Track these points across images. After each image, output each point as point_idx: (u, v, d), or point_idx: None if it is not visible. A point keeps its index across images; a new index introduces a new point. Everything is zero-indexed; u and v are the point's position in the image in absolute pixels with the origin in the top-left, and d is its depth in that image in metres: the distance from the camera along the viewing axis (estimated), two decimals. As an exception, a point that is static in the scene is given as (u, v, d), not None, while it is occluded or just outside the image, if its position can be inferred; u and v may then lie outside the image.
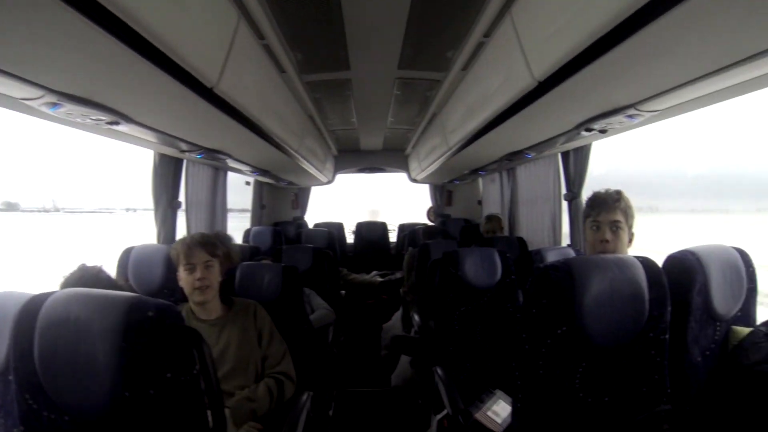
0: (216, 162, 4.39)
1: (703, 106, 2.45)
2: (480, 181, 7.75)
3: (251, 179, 6.83)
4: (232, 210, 6.16)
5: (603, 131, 2.93)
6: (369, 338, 6.16)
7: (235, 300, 2.65)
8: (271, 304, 2.84)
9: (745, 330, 2.00)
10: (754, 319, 2.13)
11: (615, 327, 1.73)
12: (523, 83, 2.35)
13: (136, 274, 3.09)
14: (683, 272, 1.98)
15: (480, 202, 7.84)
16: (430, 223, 8.41)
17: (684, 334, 1.94)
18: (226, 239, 3.36)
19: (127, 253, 3.14)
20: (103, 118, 2.30)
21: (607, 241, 2.19)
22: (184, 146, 3.37)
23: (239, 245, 4.38)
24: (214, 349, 2.41)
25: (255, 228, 6.18)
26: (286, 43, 2.95)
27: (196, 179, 4.61)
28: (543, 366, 1.71)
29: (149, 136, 2.93)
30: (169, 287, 2.96)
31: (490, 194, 7.19)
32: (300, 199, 8.51)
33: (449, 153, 4.69)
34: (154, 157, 3.80)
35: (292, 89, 3.79)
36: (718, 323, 2.04)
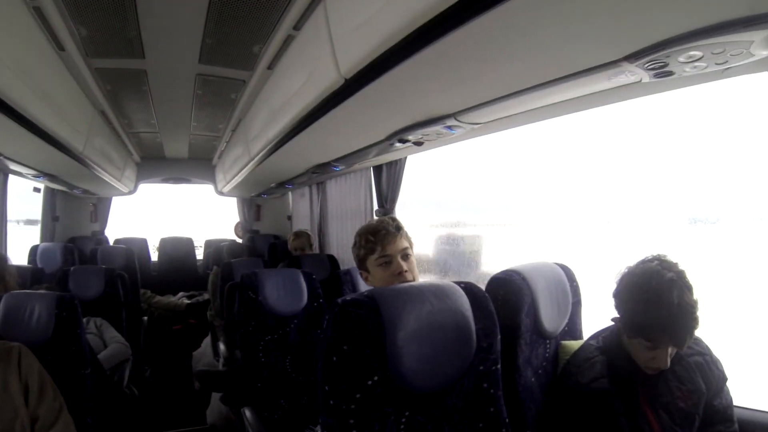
0: None
1: (530, 122, 2.41)
2: (290, 195, 7.52)
3: (41, 186, 5.97)
4: (17, 221, 5.41)
5: (419, 143, 2.81)
6: (178, 369, 5.56)
7: None
8: (43, 346, 2.34)
9: (575, 344, 2.00)
10: (580, 332, 2.15)
11: (439, 367, 1.45)
12: (330, 81, 2.11)
13: None
14: (510, 294, 1.85)
15: (290, 218, 7.67)
16: (238, 240, 8.06)
17: (515, 358, 1.80)
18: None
19: None
20: None
21: (405, 271, 2.01)
22: None
23: (18, 266, 3.74)
24: None
25: (43, 245, 5.50)
26: (66, 12, 2.39)
27: None
28: (356, 424, 1.33)
29: None
30: None
31: (300, 209, 7.06)
32: (99, 211, 7.69)
33: (252, 163, 4.37)
34: None
35: (76, 75, 3.20)
36: (548, 341, 1.98)
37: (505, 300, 1.82)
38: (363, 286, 2.80)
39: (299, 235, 5.05)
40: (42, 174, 4.64)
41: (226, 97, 3.82)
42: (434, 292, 1.48)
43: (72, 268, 4.04)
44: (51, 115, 2.94)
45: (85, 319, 3.35)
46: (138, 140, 5.69)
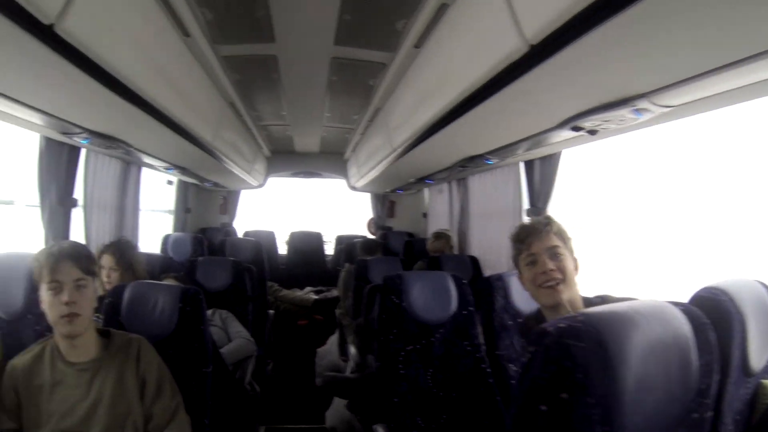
0: (119, 153, 3.76)
1: (731, 104, 1.93)
2: (426, 191, 7.15)
3: (174, 179, 6.11)
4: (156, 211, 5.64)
5: (593, 132, 2.37)
6: (301, 365, 5.50)
7: (113, 333, 2.08)
8: (165, 340, 2.27)
9: None
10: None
11: (659, 416, 0.97)
12: (507, 50, 1.75)
13: None
14: (720, 320, 1.33)
15: (425, 215, 7.33)
16: (370, 236, 7.83)
17: (720, 403, 1.30)
18: (127, 247, 3.14)
19: None
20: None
21: (551, 270, 1.85)
22: (58, 125, 2.69)
23: (149, 254, 4.03)
24: (81, 405, 1.92)
25: (174, 235, 5.52)
26: (189, -8, 2.28)
27: (100, 174, 3.96)
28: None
29: (15, 110, 2.35)
30: (36, 312, 2.24)
31: (437, 206, 6.68)
32: (228, 204, 7.87)
33: (393, 156, 4.12)
34: (40, 141, 3.17)
35: (203, 63, 3.11)
36: (749, 379, 1.46)
37: (716, 327, 1.25)
38: (517, 294, 2.55)
39: (439, 236, 4.87)
40: (173, 166, 4.69)
41: (363, 83, 3.56)
42: (655, 314, 1.00)
43: (200, 259, 4.04)
44: (181, 106, 2.89)
45: (210, 311, 3.35)
46: (267, 134, 5.67)
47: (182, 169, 4.97)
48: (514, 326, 2.57)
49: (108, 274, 3.03)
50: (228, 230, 7.44)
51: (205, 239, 5.56)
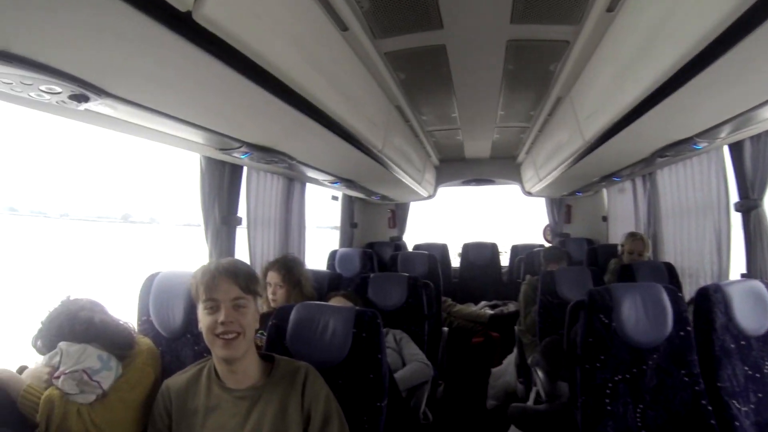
0: (281, 168, 3.63)
1: None
2: (604, 192, 6.54)
3: (339, 194, 6.04)
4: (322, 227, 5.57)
5: None
6: (473, 386, 5.04)
7: (278, 360, 1.92)
8: (335, 369, 2.08)
9: None
10: None
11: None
12: None
13: (157, 309, 2.30)
14: None
15: (605, 218, 6.65)
16: (546, 244, 7.28)
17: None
18: (294, 263, 3.12)
19: (151, 280, 2.35)
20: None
21: None
22: (217, 140, 2.58)
23: (315, 271, 3.84)
24: None
25: (341, 250, 5.39)
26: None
27: (263, 191, 3.98)
28: None
29: (176, 130, 2.32)
30: (195, 332, 2.15)
31: (618, 207, 6.08)
32: (397, 217, 7.58)
33: (581, 151, 3.53)
34: (200, 161, 3.18)
35: (365, 61, 2.84)
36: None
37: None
38: (740, 310, 2.08)
39: (635, 236, 4.40)
40: (339, 179, 4.51)
41: (543, 69, 3.15)
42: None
43: (372, 275, 3.83)
44: (347, 110, 2.65)
45: (383, 331, 3.11)
46: (436, 140, 5.38)
47: (349, 182, 4.79)
48: (737, 351, 2.18)
49: (274, 291, 3.01)
50: (398, 244, 7.22)
51: (374, 254, 5.38)
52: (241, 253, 3.54)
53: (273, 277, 3.02)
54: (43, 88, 1.60)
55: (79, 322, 1.87)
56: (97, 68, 1.59)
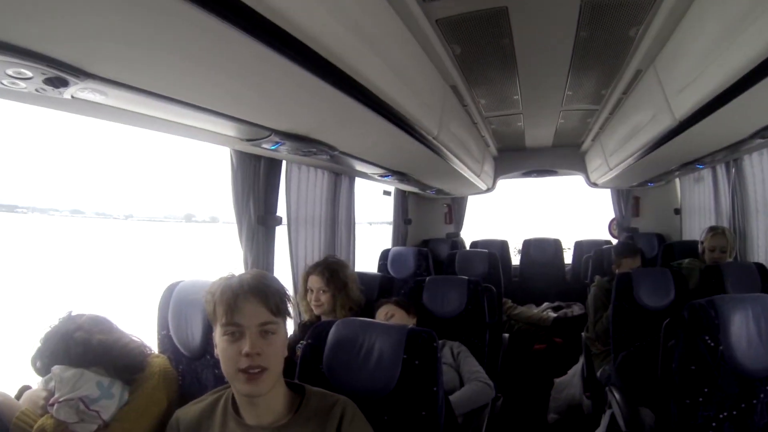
0: (323, 161, 3.31)
1: None
2: (677, 182, 5.92)
3: (391, 188, 5.67)
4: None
5: None
6: (533, 397, 4.55)
7: (309, 391, 1.59)
8: (380, 402, 1.74)
9: None
10: None
11: None
12: None
13: (176, 324, 2.06)
14: None
15: (678, 211, 6.02)
16: (614, 241, 6.74)
17: None
18: (338, 266, 2.93)
19: (171, 290, 2.13)
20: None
21: None
22: (240, 129, 2.24)
23: (364, 274, 3.52)
24: None
25: (394, 249, 5.05)
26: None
27: (304, 187, 3.68)
28: None
29: (182, 116, 1.99)
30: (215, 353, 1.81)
31: (694, 199, 5.46)
32: (454, 212, 7.17)
33: (667, 131, 2.94)
34: (231, 155, 2.90)
35: (414, 30, 2.39)
36: None
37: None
38: None
39: (716, 230, 3.92)
40: (390, 172, 4.11)
41: (621, 35, 2.61)
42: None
43: (427, 279, 3.42)
44: (397, 88, 2.24)
45: (441, 350, 2.75)
46: (495, 128, 4.93)
47: (401, 176, 4.37)
48: None
49: (317, 297, 2.83)
50: (455, 241, 6.86)
51: (429, 253, 5.01)
52: (281, 255, 3.28)
53: (315, 281, 2.84)
54: (10, 72, 1.32)
55: (75, 344, 1.69)
56: (77, 43, 1.29)
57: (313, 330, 1.91)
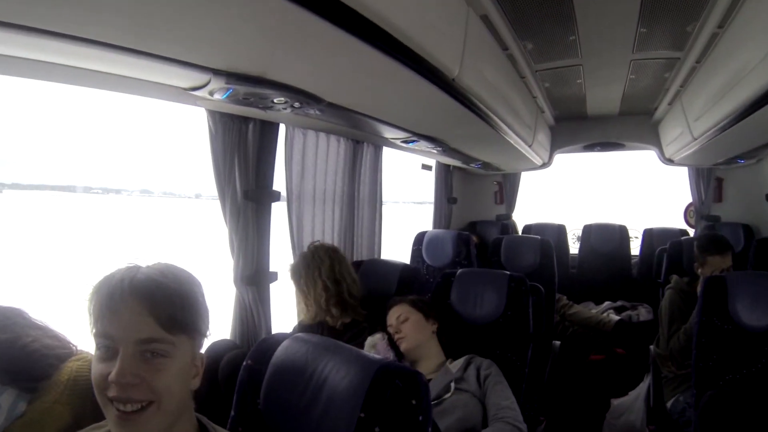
0: (336, 124, 2.85)
1: None
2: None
3: (432, 162, 5.06)
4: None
5: None
6: (584, 420, 3.81)
7: None
8: None
9: None
10: None
11: None
12: None
13: None
14: None
15: None
16: (689, 229, 5.94)
17: None
18: (324, 256, 2.57)
19: None
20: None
21: None
22: (183, 75, 1.71)
23: (386, 262, 3.24)
24: None
25: (431, 233, 4.36)
26: None
27: (312, 157, 3.16)
28: None
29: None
30: None
31: None
32: (505, 191, 6.44)
33: None
34: (207, 118, 2.45)
35: None
36: None
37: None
38: None
39: None
40: (416, 135, 3.34)
41: None
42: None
43: (459, 272, 2.76)
44: (422, 29, 1.71)
45: (462, 361, 2.28)
46: (549, 88, 4.14)
47: (432, 141, 3.61)
48: None
49: (297, 302, 2.61)
50: (505, 224, 6.22)
51: (473, 238, 4.31)
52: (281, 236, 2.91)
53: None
54: None
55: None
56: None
57: (256, 348, 1.41)
